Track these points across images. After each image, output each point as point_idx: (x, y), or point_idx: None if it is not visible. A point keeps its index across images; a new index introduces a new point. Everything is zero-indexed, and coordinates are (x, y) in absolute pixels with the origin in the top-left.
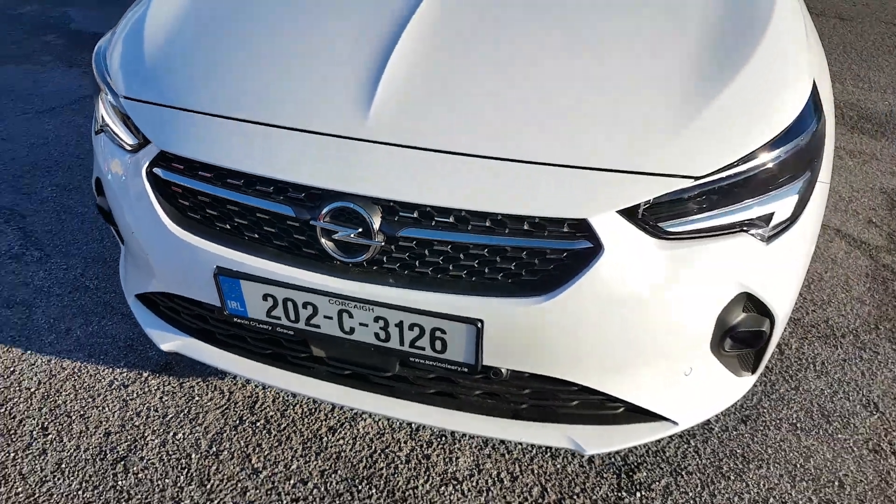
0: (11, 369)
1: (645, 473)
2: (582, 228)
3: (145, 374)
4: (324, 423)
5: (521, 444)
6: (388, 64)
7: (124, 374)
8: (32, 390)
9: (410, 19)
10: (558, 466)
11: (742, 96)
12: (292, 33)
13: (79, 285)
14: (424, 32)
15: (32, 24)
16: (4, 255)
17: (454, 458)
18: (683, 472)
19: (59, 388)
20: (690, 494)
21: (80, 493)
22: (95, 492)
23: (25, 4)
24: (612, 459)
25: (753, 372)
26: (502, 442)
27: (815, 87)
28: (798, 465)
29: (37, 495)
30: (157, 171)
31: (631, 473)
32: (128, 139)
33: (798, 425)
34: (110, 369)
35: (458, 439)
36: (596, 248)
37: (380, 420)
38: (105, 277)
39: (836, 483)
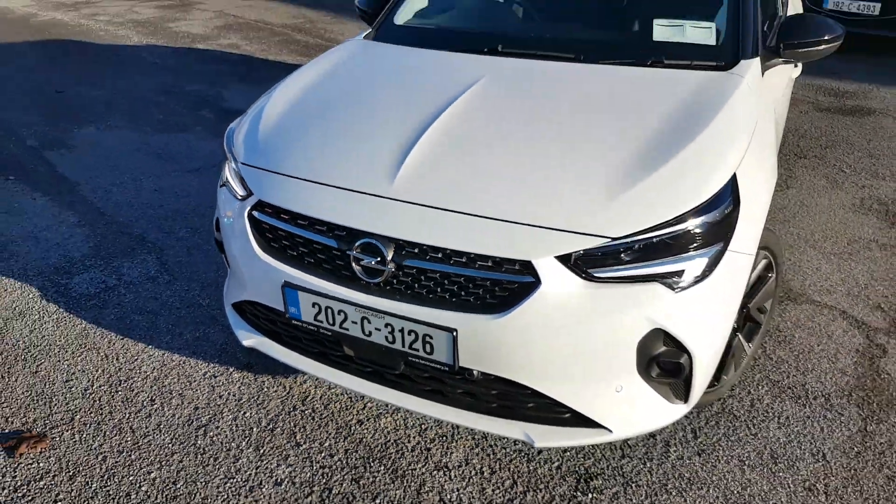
0: (136, 358)
1: (601, 481)
2: (527, 267)
3: (231, 370)
4: (355, 416)
5: (489, 433)
6: (412, 149)
7: (216, 368)
8: (148, 374)
9: (433, 122)
10: (531, 468)
11: (662, 181)
12: (354, 125)
13: (194, 303)
14: (440, 131)
15: (194, 101)
16: (143, 277)
17: (449, 453)
18: (633, 485)
19: (168, 374)
20: (634, 502)
21: (170, 445)
22: (180, 445)
23: (192, 84)
24: (576, 468)
25: (685, 401)
26: (490, 445)
27: (734, 178)
28: (735, 492)
29: (140, 443)
30: (254, 213)
31: (588, 480)
32: (240, 191)
33: (746, 462)
34: (206, 364)
35: (455, 439)
36: (536, 283)
37: (397, 419)
38: (215, 298)
39: None
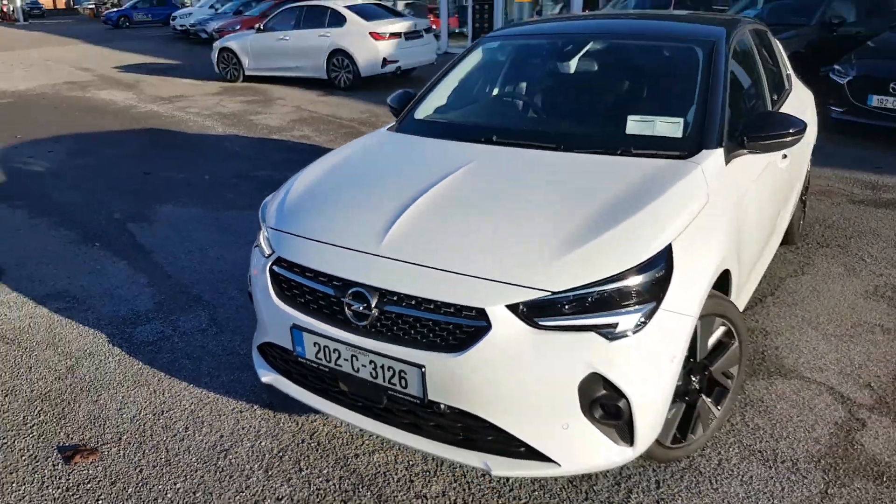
0: (178, 393)
1: None
2: (482, 314)
3: (255, 407)
4: (353, 450)
5: (467, 471)
6: (400, 217)
7: (243, 405)
8: (186, 406)
9: (421, 196)
10: (500, 502)
11: (603, 246)
12: (360, 197)
13: (234, 351)
14: (426, 203)
15: (262, 184)
16: (195, 329)
17: (430, 485)
18: None
19: (202, 407)
20: None
21: (195, 463)
22: (203, 464)
23: (263, 170)
24: None
25: (631, 444)
26: (467, 482)
27: (669, 248)
28: None
29: (171, 461)
30: (274, 267)
31: None
32: (266, 250)
33: None
34: (236, 402)
35: (437, 474)
36: (489, 327)
37: (389, 455)
38: (249, 347)
39: None
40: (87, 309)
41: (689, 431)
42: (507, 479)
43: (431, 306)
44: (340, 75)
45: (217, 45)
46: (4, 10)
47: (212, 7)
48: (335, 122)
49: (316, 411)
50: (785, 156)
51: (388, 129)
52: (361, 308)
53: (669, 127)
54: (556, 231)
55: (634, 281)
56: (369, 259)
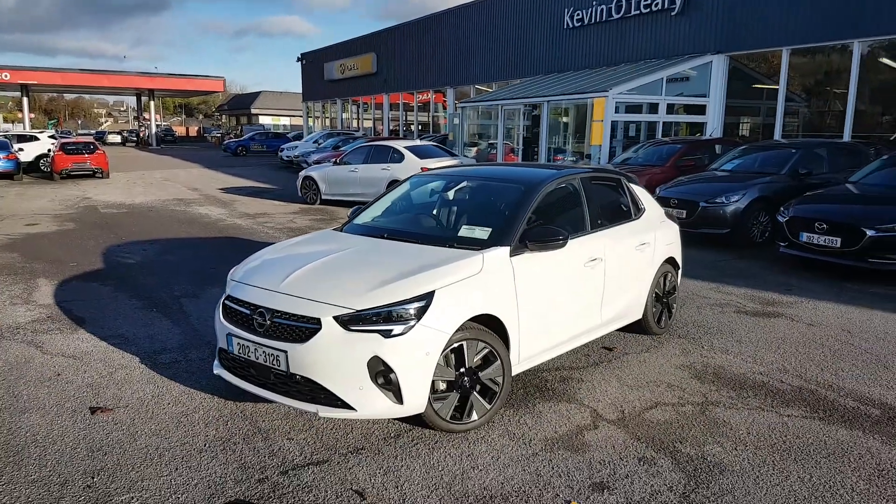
0: (171, 388)
1: (366, 451)
2: (318, 321)
3: (215, 396)
4: (262, 417)
5: (328, 427)
6: (294, 272)
7: (207, 395)
8: (175, 394)
9: (315, 261)
10: (335, 442)
11: (394, 287)
12: (280, 263)
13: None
14: (315, 264)
15: None
16: (198, 358)
17: (299, 434)
18: (379, 454)
19: (184, 394)
20: (377, 462)
21: (166, 419)
22: (170, 419)
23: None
24: (358, 445)
25: (402, 403)
26: (325, 434)
27: (433, 292)
28: (434, 468)
29: (153, 417)
30: (225, 301)
31: (359, 450)
32: (225, 293)
33: (451, 455)
34: (204, 393)
35: (307, 430)
36: (320, 328)
37: (286, 420)
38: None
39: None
40: (133, 345)
41: (466, 415)
42: (346, 433)
43: (295, 317)
44: None
45: (301, 174)
46: (143, 135)
47: (315, 142)
48: None
49: (249, 397)
50: (594, 259)
51: (333, 229)
52: (262, 320)
53: (482, 232)
54: (375, 279)
55: (406, 307)
56: (270, 293)
